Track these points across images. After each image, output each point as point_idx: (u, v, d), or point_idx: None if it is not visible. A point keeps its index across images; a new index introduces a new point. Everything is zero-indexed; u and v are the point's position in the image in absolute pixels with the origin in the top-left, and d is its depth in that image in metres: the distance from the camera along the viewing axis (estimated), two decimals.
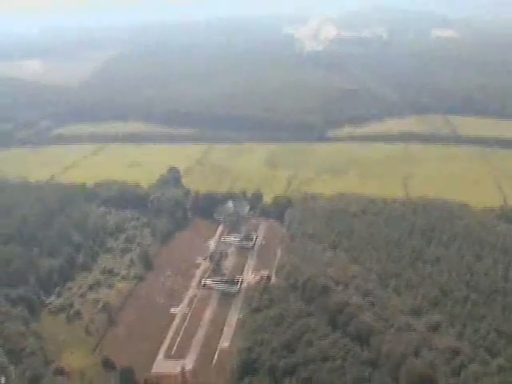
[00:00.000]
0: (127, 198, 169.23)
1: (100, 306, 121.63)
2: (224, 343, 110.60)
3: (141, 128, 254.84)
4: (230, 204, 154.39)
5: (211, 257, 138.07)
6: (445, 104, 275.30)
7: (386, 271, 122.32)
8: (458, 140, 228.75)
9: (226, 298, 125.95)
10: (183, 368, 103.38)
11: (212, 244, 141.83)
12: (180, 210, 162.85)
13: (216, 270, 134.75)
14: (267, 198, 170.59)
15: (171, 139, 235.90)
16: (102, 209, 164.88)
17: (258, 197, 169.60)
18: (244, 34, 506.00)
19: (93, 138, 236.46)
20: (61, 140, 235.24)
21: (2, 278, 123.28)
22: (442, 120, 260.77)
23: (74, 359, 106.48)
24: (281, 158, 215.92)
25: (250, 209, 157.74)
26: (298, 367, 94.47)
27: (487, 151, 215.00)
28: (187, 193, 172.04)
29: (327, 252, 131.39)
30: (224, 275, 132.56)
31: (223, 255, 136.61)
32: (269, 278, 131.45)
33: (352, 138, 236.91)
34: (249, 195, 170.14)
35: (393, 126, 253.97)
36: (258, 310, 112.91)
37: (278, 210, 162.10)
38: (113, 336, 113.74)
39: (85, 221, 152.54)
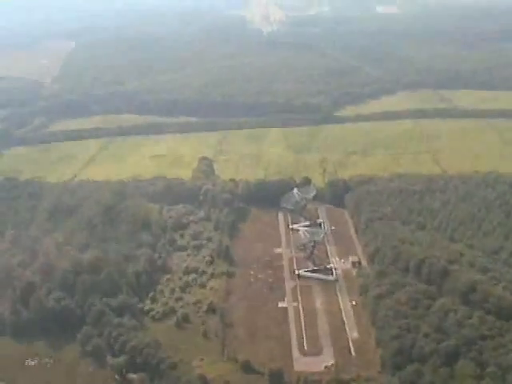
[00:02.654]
0: (175, 192, 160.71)
1: (205, 307, 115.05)
2: (353, 333, 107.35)
3: (138, 120, 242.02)
4: (296, 191, 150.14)
5: (304, 246, 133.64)
6: (429, 79, 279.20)
7: (487, 247, 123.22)
8: (463, 114, 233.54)
9: (327, 286, 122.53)
10: (328, 364, 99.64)
11: (301, 233, 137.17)
12: (236, 200, 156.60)
13: (308, 259, 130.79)
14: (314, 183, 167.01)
15: (180, 129, 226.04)
16: (151, 205, 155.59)
17: (306, 182, 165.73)
18: (196, 19, 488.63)
19: (95, 133, 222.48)
20: (62, 136, 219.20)
21: (96, 286, 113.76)
22: (434, 95, 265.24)
23: (208, 366, 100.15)
24: (299, 141, 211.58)
25: (316, 195, 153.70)
26: (461, 349, 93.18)
27: (494, 123, 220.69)
28: (236, 182, 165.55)
29: (418, 233, 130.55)
30: (316, 264, 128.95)
31: (315, 244, 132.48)
32: (359, 263, 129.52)
33: (358, 118, 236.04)
34: (296, 181, 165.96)
35: (391, 103, 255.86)
36: (380, 296, 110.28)
37: (334, 194, 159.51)
38: (234, 337, 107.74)
39: (147, 219, 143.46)
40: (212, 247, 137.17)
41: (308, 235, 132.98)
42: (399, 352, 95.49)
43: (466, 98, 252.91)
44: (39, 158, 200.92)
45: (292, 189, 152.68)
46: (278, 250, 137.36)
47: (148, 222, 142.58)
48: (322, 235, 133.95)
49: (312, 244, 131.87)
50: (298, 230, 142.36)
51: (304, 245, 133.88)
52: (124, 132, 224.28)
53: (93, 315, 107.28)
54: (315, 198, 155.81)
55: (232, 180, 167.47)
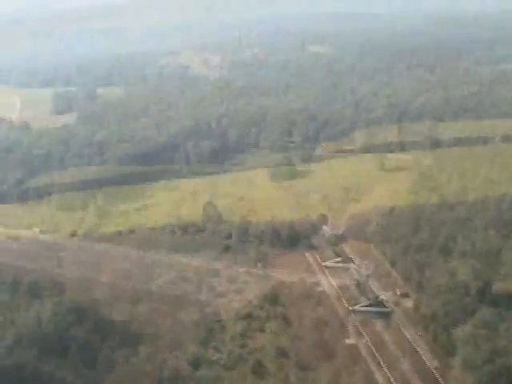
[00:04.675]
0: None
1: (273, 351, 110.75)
2: (434, 363, 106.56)
3: None
4: (326, 228, 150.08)
5: (357, 281, 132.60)
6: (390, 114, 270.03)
7: None
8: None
9: (385, 319, 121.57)
10: None
11: (353, 269, 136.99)
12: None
13: (363, 294, 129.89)
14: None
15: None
16: None
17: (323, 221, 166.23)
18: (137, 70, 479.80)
19: None
20: None
21: None
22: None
23: None
24: (295, 182, 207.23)
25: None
26: None
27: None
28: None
29: (459, 260, 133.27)
30: (368, 298, 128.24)
31: (367, 278, 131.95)
32: (407, 294, 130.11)
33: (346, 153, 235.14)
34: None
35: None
36: (453, 324, 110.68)
37: (355, 228, 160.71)
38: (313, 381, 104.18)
39: None
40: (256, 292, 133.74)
41: (359, 270, 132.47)
42: (497, 375, 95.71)
43: None
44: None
45: (321, 227, 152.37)
46: (321, 289, 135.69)
47: None
48: (371, 269, 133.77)
49: (364, 279, 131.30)
50: (331, 267, 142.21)
51: (357, 280, 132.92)
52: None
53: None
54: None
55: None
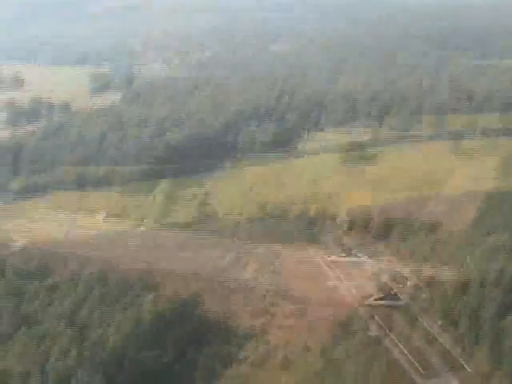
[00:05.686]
0: None
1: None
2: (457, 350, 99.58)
3: None
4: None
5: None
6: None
7: None
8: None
9: (401, 311, 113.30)
10: None
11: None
12: None
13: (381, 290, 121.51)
14: None
15: None
16: None
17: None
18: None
19: None
20: None
21: None
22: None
23: None
24: (369, 167, 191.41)
25: None
26: None
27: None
28: None
29: None
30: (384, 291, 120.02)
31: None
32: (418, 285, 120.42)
33: None
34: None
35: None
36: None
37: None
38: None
39: None
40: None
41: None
42: None
43: None
44: None
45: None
46: (330, 284, 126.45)
47: None
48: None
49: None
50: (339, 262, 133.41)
51: (376, 274, 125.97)
52: None
53: None
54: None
55: None
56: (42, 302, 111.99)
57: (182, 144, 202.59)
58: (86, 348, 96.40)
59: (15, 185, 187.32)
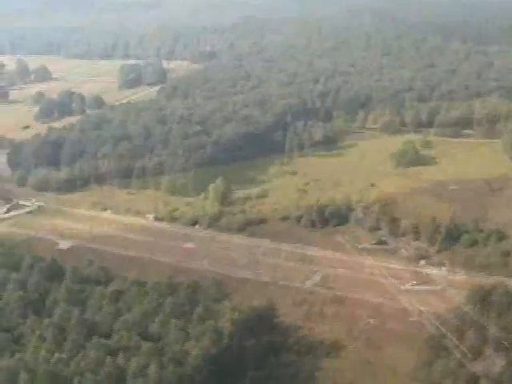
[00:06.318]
0: None
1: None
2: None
3: None
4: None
5: None
6: None
7: None
8: None
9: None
10: None
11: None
12: None
13: None
14: None
15: None
16: None
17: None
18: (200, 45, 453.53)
19: None
20: None
21: None
22: None
23: None
24: (423, 169, 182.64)
25: None
26: None
27: None
28: None
29: None
30: None
31: None
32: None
33: None
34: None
35: None
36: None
37: None
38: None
39: None
40: None
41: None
42: None
43: None
44: None
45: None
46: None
47: None
48: None
49: None
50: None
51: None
52: None
53: None
54: None
55: None
56: (108, 309, 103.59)
57: (230, 139, 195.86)
58: (165, 363, 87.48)
59: (57, 180, 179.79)
